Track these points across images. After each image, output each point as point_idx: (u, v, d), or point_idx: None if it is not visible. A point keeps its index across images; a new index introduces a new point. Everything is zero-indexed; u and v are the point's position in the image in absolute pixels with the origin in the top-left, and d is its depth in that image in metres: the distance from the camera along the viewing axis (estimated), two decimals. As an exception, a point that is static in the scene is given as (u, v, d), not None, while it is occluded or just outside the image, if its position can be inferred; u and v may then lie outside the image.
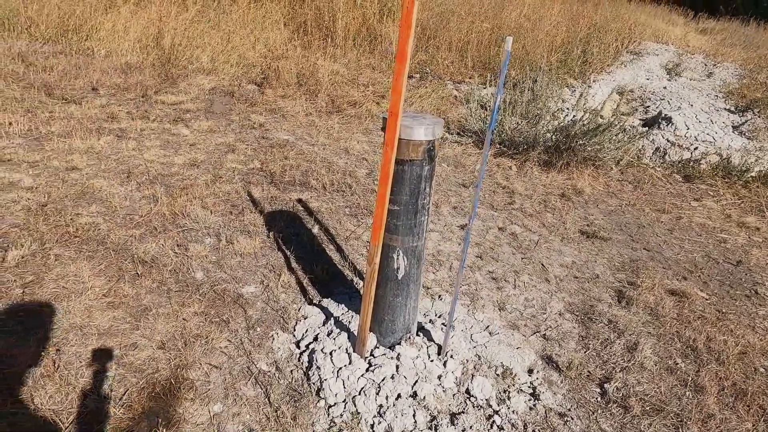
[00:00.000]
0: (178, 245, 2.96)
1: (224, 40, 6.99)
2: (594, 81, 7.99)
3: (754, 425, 2.12)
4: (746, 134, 6.31)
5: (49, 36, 6.63)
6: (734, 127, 6.60)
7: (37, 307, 2.36)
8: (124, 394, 1.98)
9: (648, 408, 2.17)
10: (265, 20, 7.77)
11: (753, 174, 4.95)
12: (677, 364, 2.44)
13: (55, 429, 1.81)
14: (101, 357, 2.14)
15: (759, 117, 6.89)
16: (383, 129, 1.78)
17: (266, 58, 6.88)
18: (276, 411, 1.98)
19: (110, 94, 5.33)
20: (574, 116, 4.87)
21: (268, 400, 2.03)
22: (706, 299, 3.02)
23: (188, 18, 7.24)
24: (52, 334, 2.22)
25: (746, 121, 6.71)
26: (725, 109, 7.47)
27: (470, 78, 7.16)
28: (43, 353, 2.10)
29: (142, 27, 6.81)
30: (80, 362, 2.10)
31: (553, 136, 4.89)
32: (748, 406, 2.21)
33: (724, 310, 2.91)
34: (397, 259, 2.02)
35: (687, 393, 2.26)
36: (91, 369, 2.08)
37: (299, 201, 3.64)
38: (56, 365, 2.06)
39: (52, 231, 2.93)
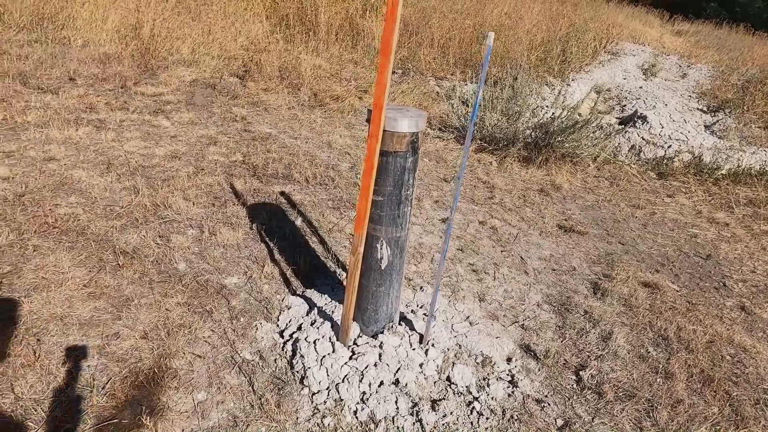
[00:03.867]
0: (159, 236, 2.94)
1: (205, 31, 6.91)
2: (573, 79, 8.14)
3: (720, 410, 2.22)
4: (717, 133, 6.51)
5: (24, 24, 6.46)
6: (706, 127, 6.80)
7: (15, 298, 2.33)
8: (106, 383, 1.98)
9: (621, 394, 2.25)
10: (247, 12, 7.71)
11: (723, 172, 5.12)
12: (649, 352, 2.53)
13: (36, 418, 1.81)
14: (83, 347, 2.13)
15: (730, 117, 7.12)
16: (368, 121, 1.81)
17: (248, 50, 6.84)
18: (260, 399, 2.00)
19: (88, 84, 5.24)
20: (553, 113, 4.96)
21: (252, 388, 2.05)
22: (677, 291, 3.13)
23: (168, 8, 7.14)
24: (32, 324, 2.20)
25: (718, 121, 6.93)
26: (698, 109, 7.69)
27: (452, 74, 7.23)
28: (23, 343, 2.08)
29: (120, 17, 6.70)
30: (61, 352, 2.09)
31: (533, 133, 4.99)
32: (715, 391, 2.31)
33: (693, 302, 3.03)
34: (381, 249, 2.05)
35: (658, 380, 2.35)
36: (72, 358, 2.07)
37: (282, 194, 3.65)
38: (37, 355, 2.05)
39: (30, 221, 2.88)
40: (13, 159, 3.56)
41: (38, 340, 2.12)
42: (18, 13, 6.54)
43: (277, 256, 2.93)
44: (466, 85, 6.69)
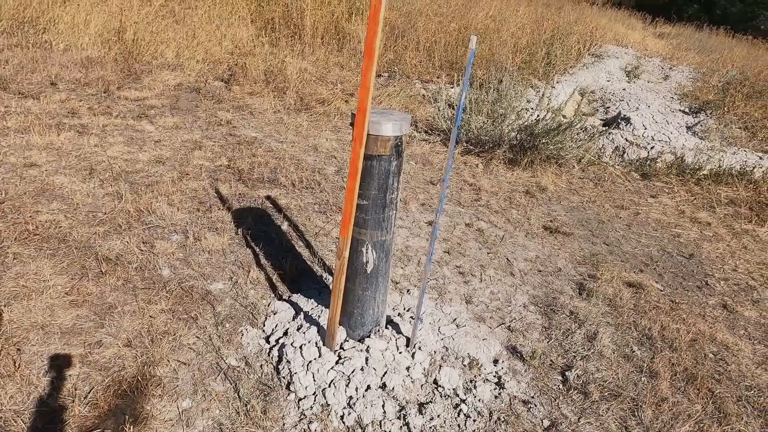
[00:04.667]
0: (143, 242, 2.91)
1: (189, 35, 6.86)
2: (557, 82, 8.22)
3: (703, 407, 2.25)
4: (699, 134, 6.62)
5: (3, 28, 6.37)
6: (688, 128, 6.91)
7: (-5, 307, 2.29)
8: (89, 393, 1.95)
9: (606, 394, 2.27)
10: (232, 16, 7.67)
11: (705, 172, 5.20)
12: (633, 351, 2.56)
13: (16, 429, 1.77)
14: (64, 356, 2.10)
15: (711, 118, 7.24)
16: (352, 125, 1.81)
17: (233, 54, 6.80)
18: (246, 405, 1.99)
19: (70, 89, 5.17)
20: (537, 116, 5.01)
21: (238, 394, 2.03)
22: (661, 290, 3.17)
23: (151, 12, 7.08)
24: (12, 333, 2.16)
25: (699, 122, 7.04)
26: (680, 110, 7.81)
27: (438, 77, 7.26)
28: (2, 353, 2.04)
29: (103, 20, 6.63)
30: (42, 361, 2.05)
31: (518, 135, 5.02)
32: (698, 389, 2.34)
33: (677, 301, 3.07)
34: (366, 252, 2.05)
35: (642, 379, 2.38)
36: (53, 368, 2.04)
37: (268, 198, 3.63)
38: (17, 365, 2.01)
39: (10, 229, 2.84)
40: (-8, 165, 3.50)
41: (18, 349, 2.08)
42: (-2, 17, 6.44)
43: (263, 260, 2.92)
44: (451, 87, 6.72)
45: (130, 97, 5.21)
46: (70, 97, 4.96)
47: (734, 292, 3.26)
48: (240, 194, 3.62)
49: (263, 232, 3.21)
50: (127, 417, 1.86)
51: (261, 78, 6.19)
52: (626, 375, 2.39)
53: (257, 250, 3.00)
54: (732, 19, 20.74)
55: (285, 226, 3.31)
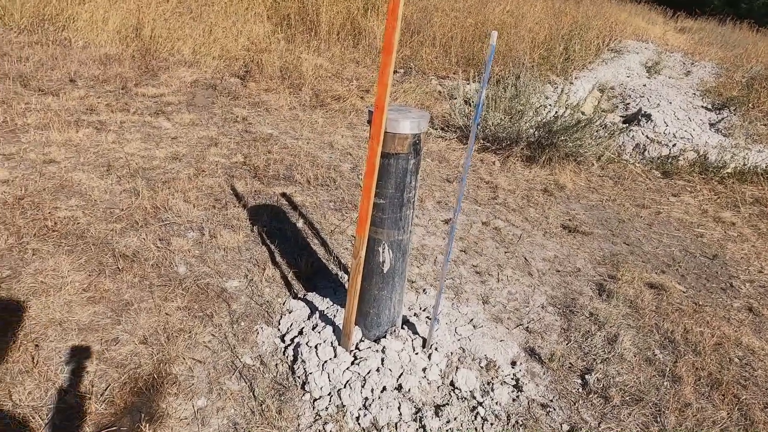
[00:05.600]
0: (160, 239, 2.92)
1: (206, 32, 6.89)
2: (576, 78, 8.08)
3: (728, 413, 2.18)
4: (722, 131, 6.45)
5: (24, 25, 6.45)
6: (711, 125, 6.74)
7: (14, 303, 2.31)
8: (105, 390, 1.95)
9: (627, 398, 2.21)
10: (248, 12, 7.68)
11: (729, 170, 5.07)
12: (656, 355, 2.50)
13: (34, 426, 1.78)
14: (82, 352, 2.11)
15: (735, 115, 7.06)
16: (369, 122, 1.78)
17: (249, 51, 6.81)
18: (261, 405, 1.98)
19: (89, 85, 5.22)
20: (556, 112, 4.92)
21: (253, 394, 2.02)
22: (684, 292, 3.09)
23: (169, 9, 7.12)
24: (30, 329, 2.18)
25: (722, 119, 6.87)
26: (702, 106, 7.63)
27: (454, 73, 7.19)
28: (21, 349, 2.06)
29: (121, 17, 6.68)
30: (60, 358, 2.07)
31: (536, 132, 4.94)
32: (723, 395, 2.27)
33: (700, 303, 2.99)
34: (383, 252, 2.02)
35: (665, 383, 2.32)
36: (71, 364, 2.05)
37: (283, 195, 3.62)
38: (35, 361, 2.02)
39: (29, 225, 2.86)
40: (12, 162, 3.54)
41: (36, 345, 2.10)
42: (18, 15, 6.53)
43: (278, 258, 2.91)
44: (468, 84, 6.65)
45: (148, 94, 5.24)
46: (89, 93, 5.00)
47: (760, 295, 3.16)
48: (255, 191, 3.62)
49: (278, 229, 3.20)
50: (142, 415, 1.86)
51: (277, 74, 6.18)
52: (648, 379, 2.33)
53: (272, 247, 2.99)
54: (757, 12, 20.21)
55: (300, 224, 3.30)
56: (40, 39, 6.14)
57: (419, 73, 7.06)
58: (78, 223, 2.95)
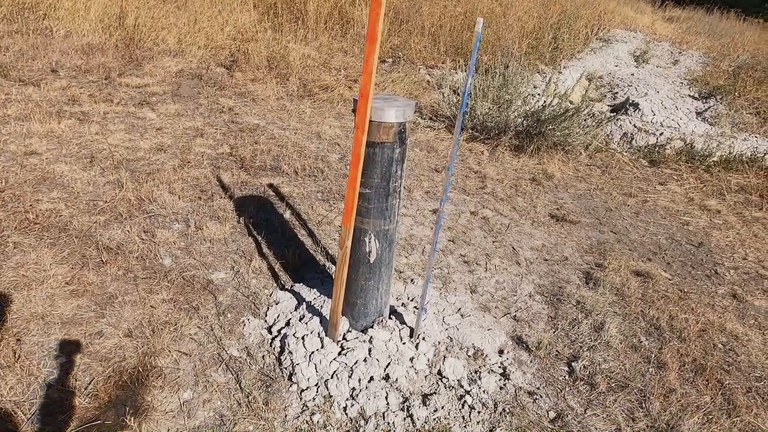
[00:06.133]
0: (144, 231, 2.88)
1: (191, 21, 6.77)
2: (564, 67, 8.08)
3: (712, 398, 2.21)
4: (709, 120, 6.50)
5: (4, 14, 6.30)
6: (698, 114, 6.79)
7: (-5, 297, 2.27)
8: (89, 384, 1.93)
9: (613, 384, 2.23)
10: (234, 1, 7.56)
11: (715, 159, 5.11)
12: (641, 342, 2.52)
13: (16, 420, 1.76)
14: (65, 346, 2.08)
15: (721, 104, 7.11)
16: (354, 111, 1.76)
17: (235, 40, 6.71)
18: (247, 396, 1.97)
19: (71, 76, 5.12)
20: (544, 101, 4.92)
21: (240, 386, 2.01)
22: (669, 279, 3.12)
23: (153, -3, 6.99)
24: (11, 324, 2.14)
25: (709, 108, 6.91)
26: (689, 95, 7.68)
27: (443, 63, 7.15)
28: (2, 344, 2.03)
29: (103, 6, 6.54)
30: (42, 352, 2.04)
31: (524, 122, 4.94)
32: (707, 380, 2.30)
33: (685, 290, 3.02)
34: (369, 242, 2.01)
35: (650, 369, 2.34)
36: (53, 358, 2.02)
37: (270, 186, 3.58)
38: (17, 355, 1.99)
39: (10, 218, 2.81)
40: (-8, 153, 3.47)
41: (18, 340, 2.07)
42: (-2, 3, 6.38)
43: (266, 249, 2.88)
44: (456, 73, 6.62)
45: (132, 84, 5.15)
46: (71, 84, 4.91)
47: (744, 281, 3.20)
48: (242, 182, 3.58)
49: (265, 220, 3.17)
50: (127, 408, 1.84)
51: (263, 64, 6.11)
52: (634, 366, 2.35)
53: (259, 238, 2.97)
54: (743, 1, 20.33)
55: (287, 215, 3.27)
56: (20, 28, 6.00)
57: (408, 62, 7.01)
58: (60, 216, 2.90)
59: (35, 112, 4.15)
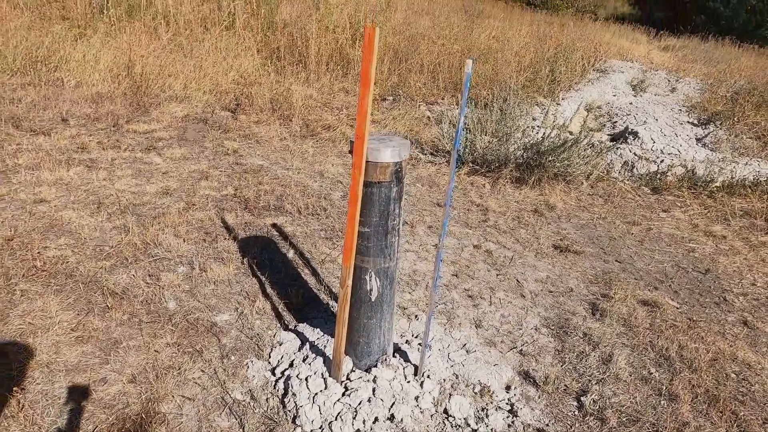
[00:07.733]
0: (149, 275, 2.91)
1: (197, 67, 6.99)
2: (563, 99, 8.21)
3: (727, 430, 2.15)
4: (709, 146, 6.53)
5: (17, 68, 6.55)
6: (698, 140, 6.83)
7: (0, 345, 2.28)
8: (92, 432, 1.92)
9: (624, 419, 2.18)
10: (238, 47, 7.82)
11: (717, 184, 5.11)
12: (651, 373, 2.47)
13: (18, 472, 1.74)
14: (69, 395, 2.07)
15: (720, 129, 7.16)
16: (351, 152, 1.80)
17: (239, 84, 6.91)
18: (251, 441, 1.94)
19: (80, 124, 5.27)
20: (543, 133, 4.98)
21: (243, 430, 1.99)
22: (677, 308, 3.08)
23: (160, 47, 7.24)
24: (16, 372, 2.15)
25: (709, 134, 6.96)
26: (688, 122, 7.74)
27: (442, 99, 7.29)
28: (7, 393, 2.03)
29: (112, 56, 6.78)
30: (46, 400, 2.03)
31: (524, 154, 4.99)
32: (721, 412, 2.25)
33: (694, 318, 2.97)
34: (370, 280, 2.02)
35: (662, 402, 2.29)
36: (57, 407, 2.01)
37: (274, 226, 3.62)
38: (21, 405, 1.99)
39: (18, 266, 2.85)
40: (2, 203, 3.55)
41: (22, 389, 2.07)
42: (11, 58, 6.63)
43: (269, 290, 2.89)
44: (456, 108, 6.74)
45: (139, 130, 5.29)
46: (81, 132, 5.05)
47: (754, 308, 3.16)
48: (246, 223, 3.62)
49: (269, 260, 3.19)
50: (130, 457, 1.83)
51: (267, 106, 6.26)
52: (644, 398, 2.30)
53: (263, 279, 2.98)
54: (737, 28, 20.71)
55: (291, 254, 3.29)
56: (32, 80, 6.22)
57: (408, 99, 7.16)
58: (67, 262, 2.94)
59: (45, 160, 4.26)
